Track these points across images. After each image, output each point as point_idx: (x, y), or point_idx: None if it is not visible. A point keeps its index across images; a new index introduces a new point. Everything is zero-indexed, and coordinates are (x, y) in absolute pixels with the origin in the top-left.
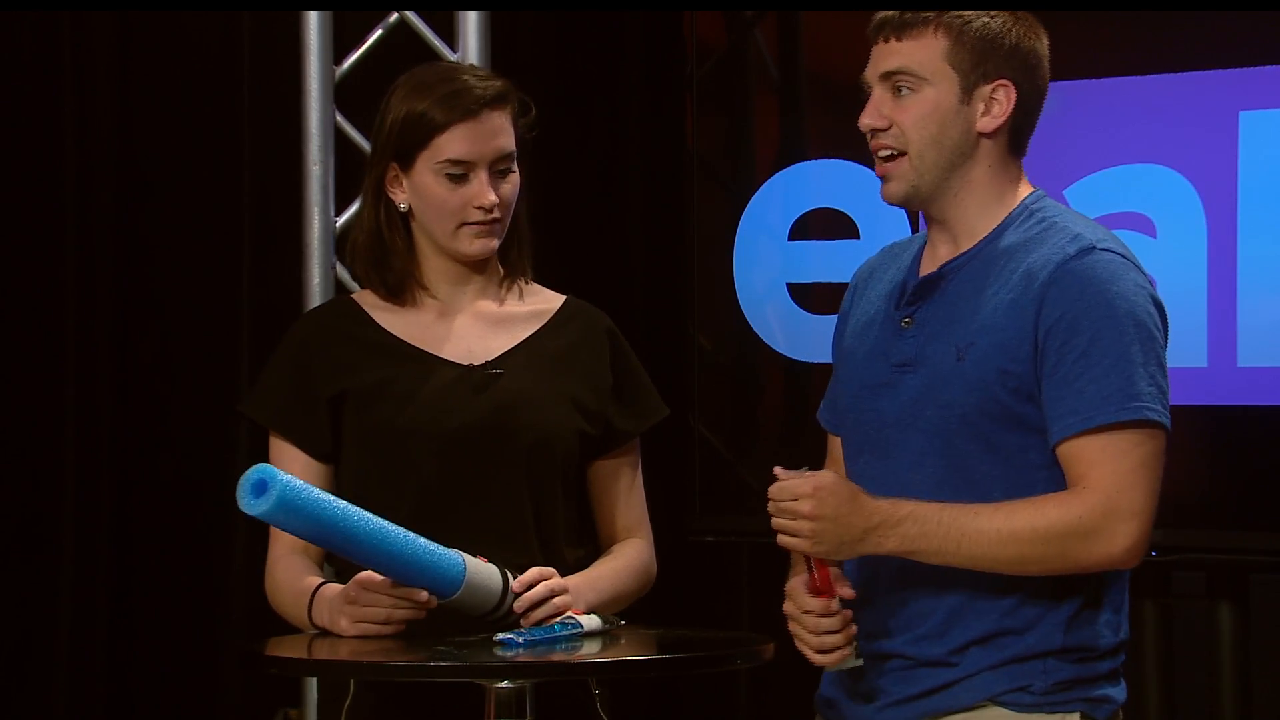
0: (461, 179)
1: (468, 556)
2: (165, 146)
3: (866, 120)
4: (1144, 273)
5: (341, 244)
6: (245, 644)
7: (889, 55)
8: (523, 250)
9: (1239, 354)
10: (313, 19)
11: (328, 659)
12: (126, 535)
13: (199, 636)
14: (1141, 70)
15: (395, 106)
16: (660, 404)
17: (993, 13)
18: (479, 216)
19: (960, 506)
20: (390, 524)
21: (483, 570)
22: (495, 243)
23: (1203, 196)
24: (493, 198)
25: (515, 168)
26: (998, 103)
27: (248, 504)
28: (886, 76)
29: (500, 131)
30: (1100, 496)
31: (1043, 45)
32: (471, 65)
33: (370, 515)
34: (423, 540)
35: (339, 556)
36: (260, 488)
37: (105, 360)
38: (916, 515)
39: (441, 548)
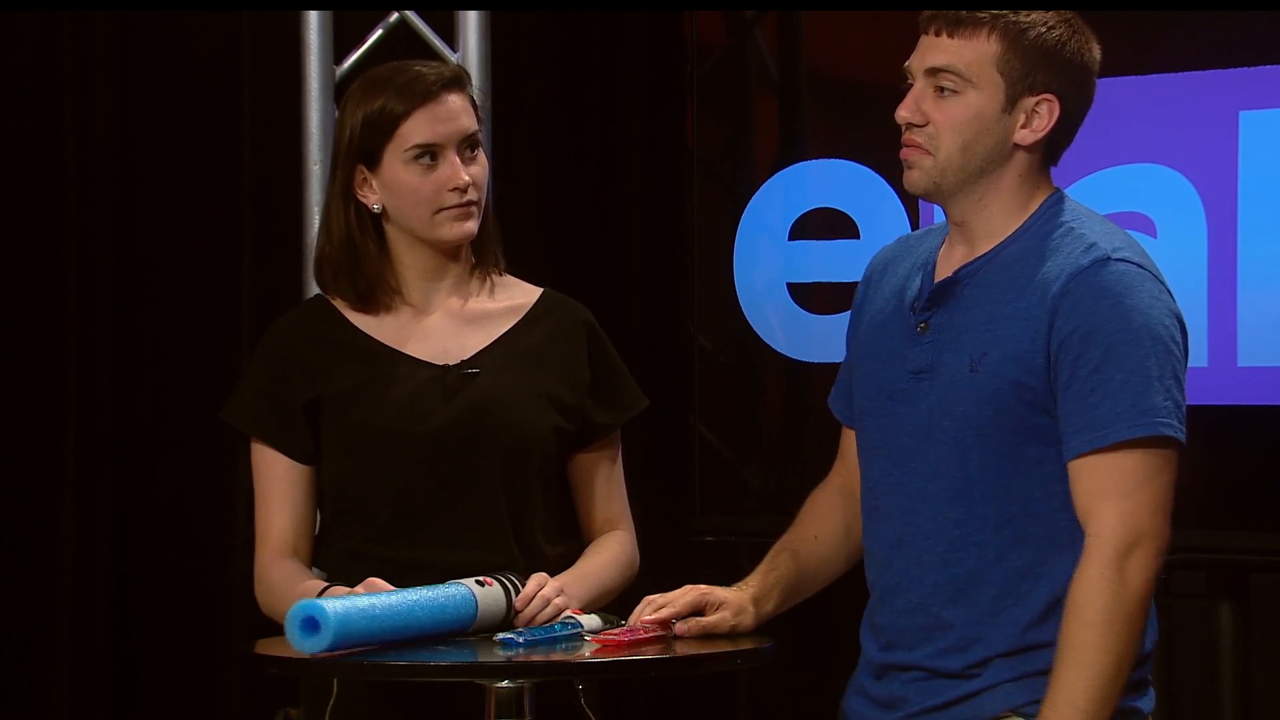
0: (431, 164)
1: (472, 586)
2: (165, 147)
3: (904, 114)
4: (1162, 281)
5: None
6: (245, 644)
7: (937, 51)
8: (493, 240)
9: (1239, 354)
10: (313, 19)
11: (327, 659)
12: (126, 536)
13: (199, 637)
14: (1141, 70)
15: (351, 111)
16: (639, 396)
17: (1049, 20)
18: (454, 199)
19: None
20: (408, 593)
21: (489, 598)
22: (474, 225)
23: (1203, 196)
24: (465, 177)
25: (481, 152)
26: (1039, 116)
27: (304, 644)
28: (932, 72)
29: (462, 112)
30: (1111, 541)
31: (1093, 57)
32: (420, 60)
33: (392, 596)
34: (436, 595)
35: (326, 561)
36: (311, 625)
37: (105, 360)
38: None
39: (449, 591)
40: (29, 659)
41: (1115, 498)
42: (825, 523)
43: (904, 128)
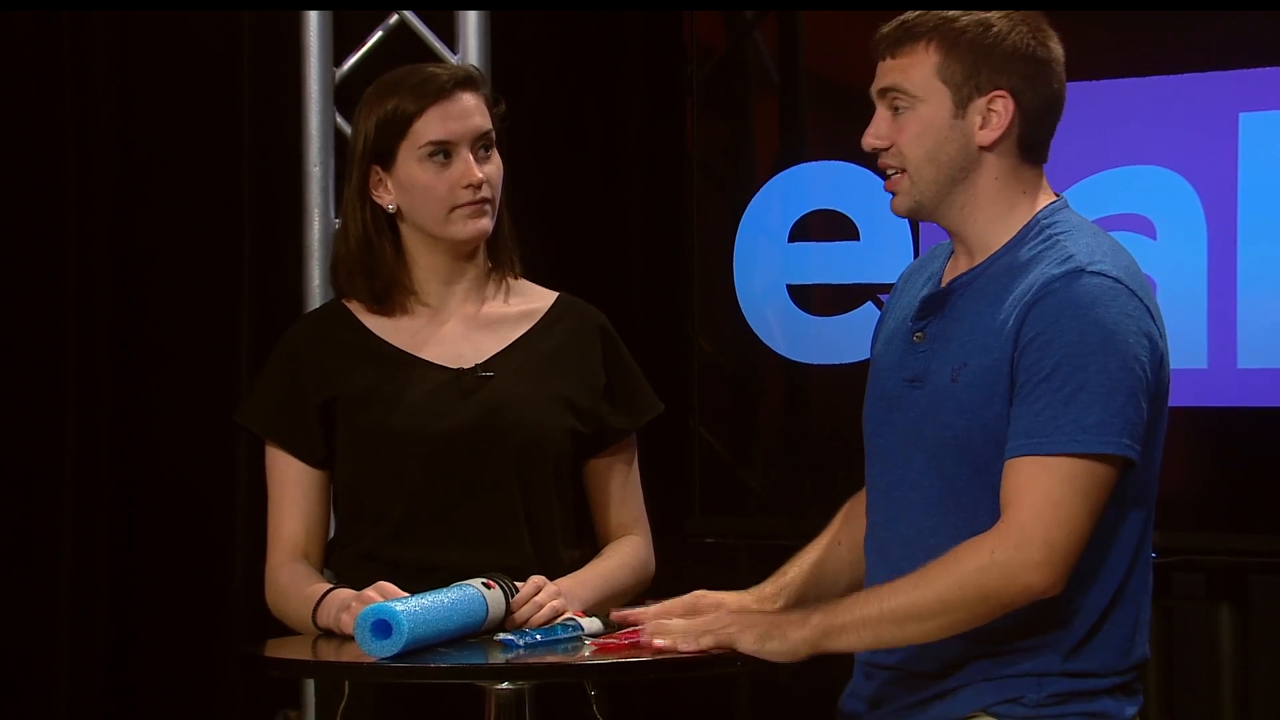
0: (445, 162)
1: (480, 589)
2: (165, 147)
3: (867, 140)
4: (1139, 298)
5: None
6: (245, 645)
7: (884, 73)
8: (509, 243)
9: (1239, 355)
10: (313, 19)
11: (327, 660)
12: (127, 537)
13: (199, 638)
14: (1141, 72)
15: (366, 114)
16: (654, 400)
17: (993, 19)
18: (468, 197)
19: (873, 589)
20: (440, 595)
21: (494, 600)
22: (488, 223)
23: (1203, 198)
24: (479, 174)
25: (496, 151)
26: (996, 114)
27: (375, 648)
28: (883, 95)
29: (475, 111)
30: (1012, 529)
31: (1048, 49)
32: (435, 61)
33: (433, 597)
34: (462, 596)
35: (339, 563)
36: (382, 629)
37: (105, 361)
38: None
39: (467, 593)
40: (29, 659)
41: (1033, 490)
42: (852, 528)
43: (877, 156)
